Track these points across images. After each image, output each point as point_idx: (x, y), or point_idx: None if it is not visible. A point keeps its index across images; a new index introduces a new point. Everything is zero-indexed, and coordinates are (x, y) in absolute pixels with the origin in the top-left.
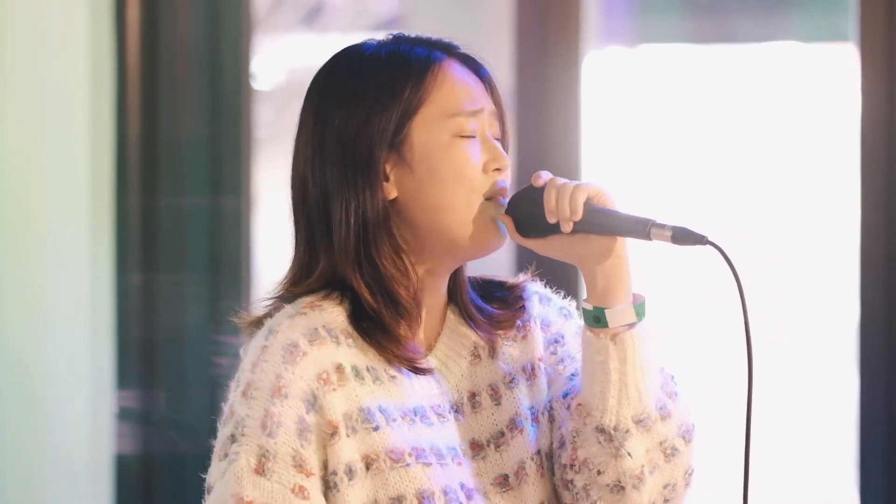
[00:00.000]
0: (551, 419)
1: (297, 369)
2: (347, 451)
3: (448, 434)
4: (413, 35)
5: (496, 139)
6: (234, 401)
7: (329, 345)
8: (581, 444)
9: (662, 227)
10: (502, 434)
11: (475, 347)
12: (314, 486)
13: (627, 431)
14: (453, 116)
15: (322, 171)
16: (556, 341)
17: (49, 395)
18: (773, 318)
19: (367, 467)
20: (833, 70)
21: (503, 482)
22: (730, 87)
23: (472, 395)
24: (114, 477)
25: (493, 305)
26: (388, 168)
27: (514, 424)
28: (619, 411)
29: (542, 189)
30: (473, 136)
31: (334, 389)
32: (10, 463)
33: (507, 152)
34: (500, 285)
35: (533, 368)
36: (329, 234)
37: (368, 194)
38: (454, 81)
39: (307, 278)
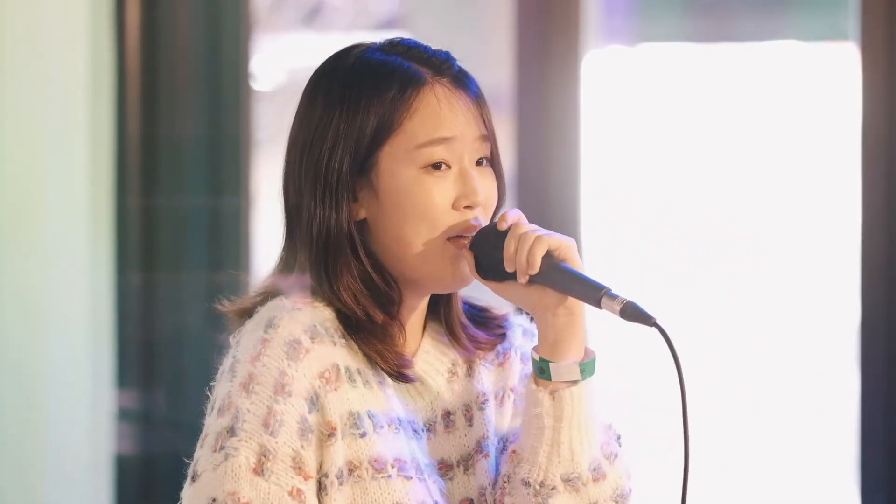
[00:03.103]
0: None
1: (300, 366)
2: (340, 453)
3: (423, 450)
4: (410, 43)
5: (486, 160)
6: (231, 391)
7: (328, 343)
8: (509, 492)
9: (614, 298)
10: (471, 457)
11: (453, 365)
12: (310, 489)
13: (554, 489)
14: (424, 146)
15: (297, 179)
16: None
17: (49, 395)
18: (773, 318)
19: (350, 473)
20: (834, 69)
21: None
22: (730, 87)
23: (447, 414)
24: (113, 477)
25: (475, 327)
26: (357, 189)
27: (480, 448)
28: (548, 468)
29: (504, 233)
30: (446, 166)
31: (334, 389)
32: (9, 463)
33: (498, 177)
34: (483, 310)
35: (504, 396)
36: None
37: (332, 212)
38: (431, 109)
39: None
